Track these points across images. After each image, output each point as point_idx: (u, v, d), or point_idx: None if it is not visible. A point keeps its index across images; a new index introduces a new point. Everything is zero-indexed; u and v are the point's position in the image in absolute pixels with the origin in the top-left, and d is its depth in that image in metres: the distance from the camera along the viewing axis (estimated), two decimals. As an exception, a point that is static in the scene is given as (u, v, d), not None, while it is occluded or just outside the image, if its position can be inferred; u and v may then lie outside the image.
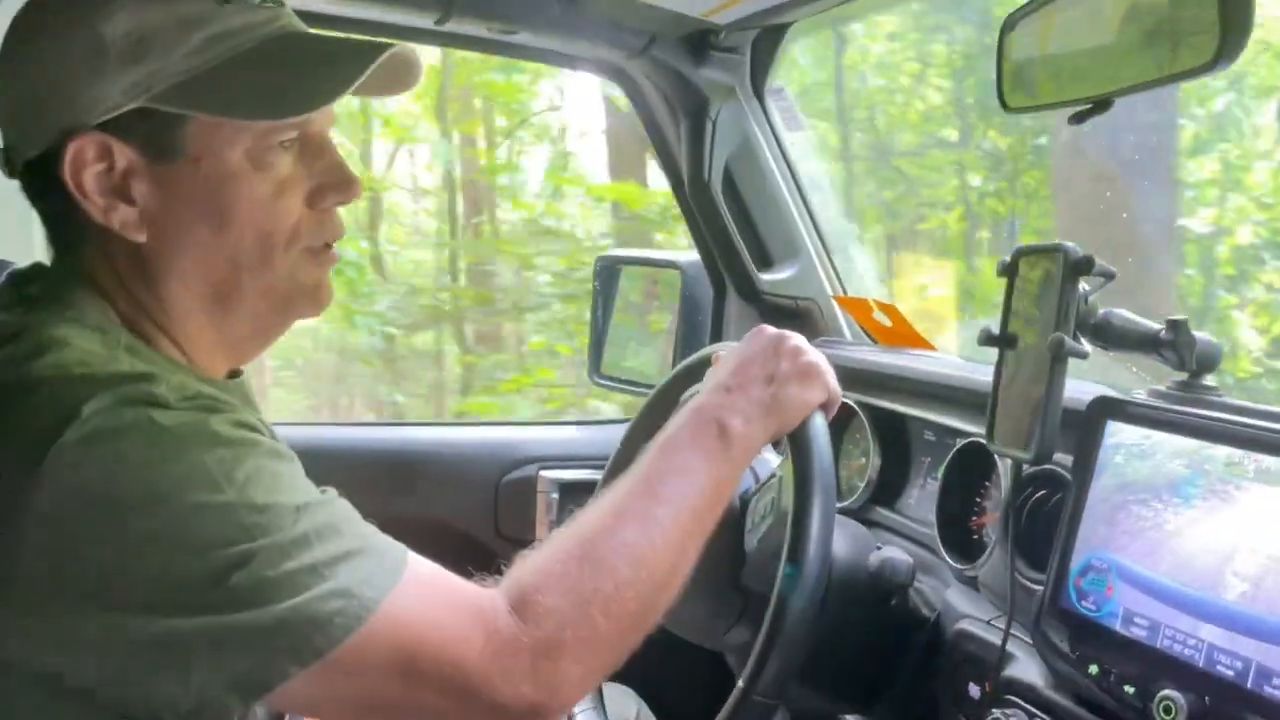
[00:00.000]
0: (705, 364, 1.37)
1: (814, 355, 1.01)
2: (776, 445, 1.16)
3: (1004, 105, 0.92)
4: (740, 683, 1.06)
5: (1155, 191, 2.99)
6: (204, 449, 0.70)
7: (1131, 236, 2.91)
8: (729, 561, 1.19)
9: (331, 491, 0.78)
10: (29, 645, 0.69)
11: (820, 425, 1.00)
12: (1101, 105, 0.80)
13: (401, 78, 0.87)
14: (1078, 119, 0.82)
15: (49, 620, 0.68)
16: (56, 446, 0.67)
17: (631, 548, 0.81)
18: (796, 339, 1.02)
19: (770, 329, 1.03)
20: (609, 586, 0.78)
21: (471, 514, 1.69)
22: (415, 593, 0.74)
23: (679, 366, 1.43)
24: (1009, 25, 0.92)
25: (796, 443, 1.00)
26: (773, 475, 1.17)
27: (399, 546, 0.77)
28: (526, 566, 0.80)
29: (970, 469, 1.29)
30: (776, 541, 1.05)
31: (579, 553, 0.80)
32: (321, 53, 0.82)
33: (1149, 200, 2.95)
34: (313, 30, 0.84)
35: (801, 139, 1.75)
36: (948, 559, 1.27)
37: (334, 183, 0.84)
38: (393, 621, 0.71)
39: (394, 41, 0.82)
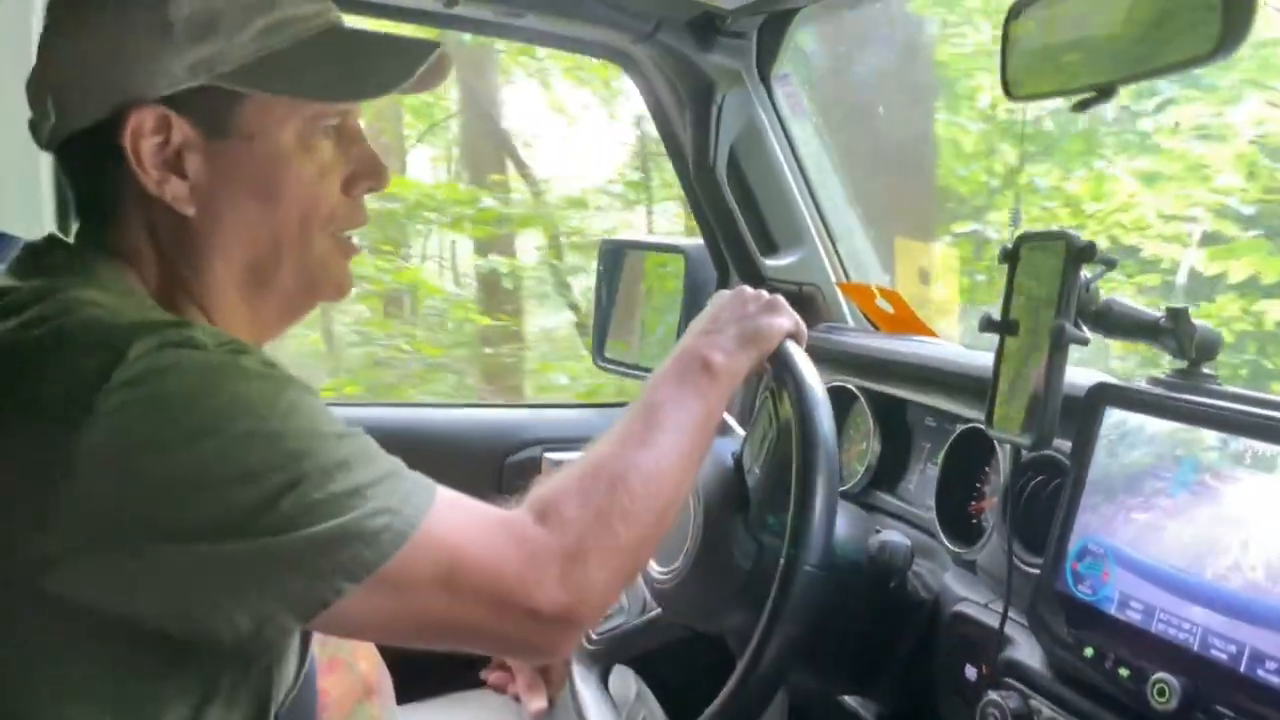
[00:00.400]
0: None
1: (775, 296, 1.13)
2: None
3: (1008, 93, 0.93)
4: (743, 659, 1.07)
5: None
6: (245, 382, 0.73)
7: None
8: (726, 544, 1.21)
9: (391, 464, 0.80)
10: (87, 582, 0.70)
11: (794, 347, 1.12)
12: (1105, 93, 0.80)
13: (432, 77, 0.90)
14: (1080, 107, 0.83)
15: (106, 555, 0.70)
16: (105, 390, 0.69)
17: (640, 466, 0.87)
18: (758, 290, 1.14)
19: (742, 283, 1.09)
20: (625, 499, 0.84)
21: (474, 495, 1.70)
22: (450, 511, 0.78)
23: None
24: (1014, 13, 0.92)
25: (778, 361, 1.11)
26: (762, 395, 1.22)
27: (425, 477, 0.81)
28: (546, 486, 0.85)
29: (969, 454, 1.30)
30: (783, 453, 1.13)
31: (593, 471, 0.86)
32: (379, 45, 0.87)
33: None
34: (353, 27, 0.88)
35: (805, 123, 1.75)
36: (946, 543, 1.28)
37: (367, 170, 0.88)
38: (434, 536, 0.75)
39: (438, 41, 0.86)
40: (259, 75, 0.80)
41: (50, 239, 0.86)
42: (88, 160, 0.83)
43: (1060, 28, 0.86)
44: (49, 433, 0.70)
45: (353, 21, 0.89)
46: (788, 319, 1.12)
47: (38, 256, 0.83)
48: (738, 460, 1.28)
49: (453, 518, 0.78)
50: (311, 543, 0.71)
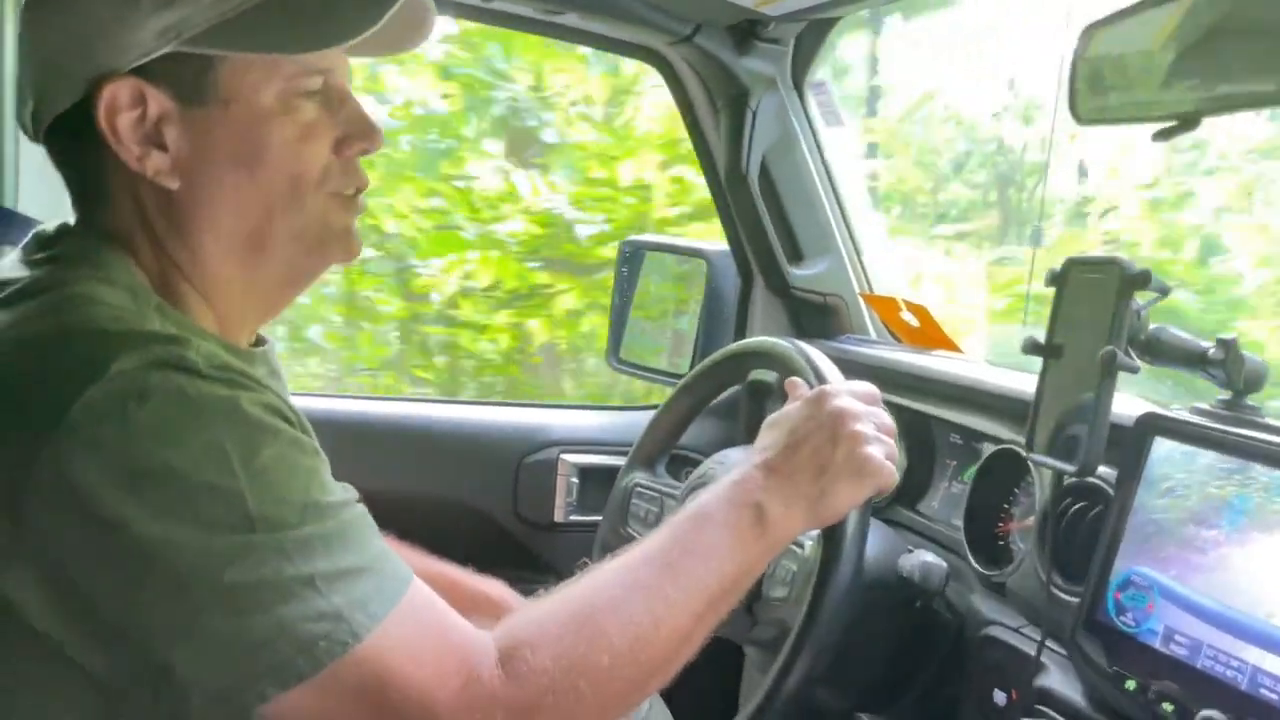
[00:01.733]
0: (733, 362, 1.37)
1: (872, 445, 0.93)
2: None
3: (1076, 117, 0.91)
4: (773, 671, 1.06)
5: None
6: (225, 427, 0.70)
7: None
8: None
9: (351, 493, 0.77)
10: (38, 601, 0.68)
11: (856, 523, 0.99)
12: (1187, 123, 0.79)
13: (414, 33, 0.88)
14: (1162, 135, 0.81)
15: (44, 579, 0.68)
16: (81, 402, 0.67)
17: (635, 625, 0.79)
18: (856, 420, 0.94)
19: (833, 399, 0.96)
20: (603, 661, 0.77)
21: (490, 495, 1.69)
22: (407, 623, 0.73)
23: (706, 362, 1.43)
24: (1085, 35, 0.91)
25: (829, 538, 1.00)
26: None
27: (403, 570, 0.76)
28: (525, 617, 0.79)
29: (999, 475, 1.29)
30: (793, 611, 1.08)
31: (581, 617, 0.78)
32: None
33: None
34: None
35: (839, 132, 1.74)
36: (975, 564, 1.27)
37: (359, 131, 0.85)
38: (377, 651, 0.70)
39: None
40: (228, 36, 0.77)
41: (60, 227, 0.84)
42: (71, 145, 0.81)
43: (1138, 52, 0.84)
44: (24, 436, 0.68)
45: None
46: (870, 488, 0.94)
47: (45, 246, 0.81)
48: None
49: (403, 633, 0.72)
50: (245, 635, 0.67)
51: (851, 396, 0.97)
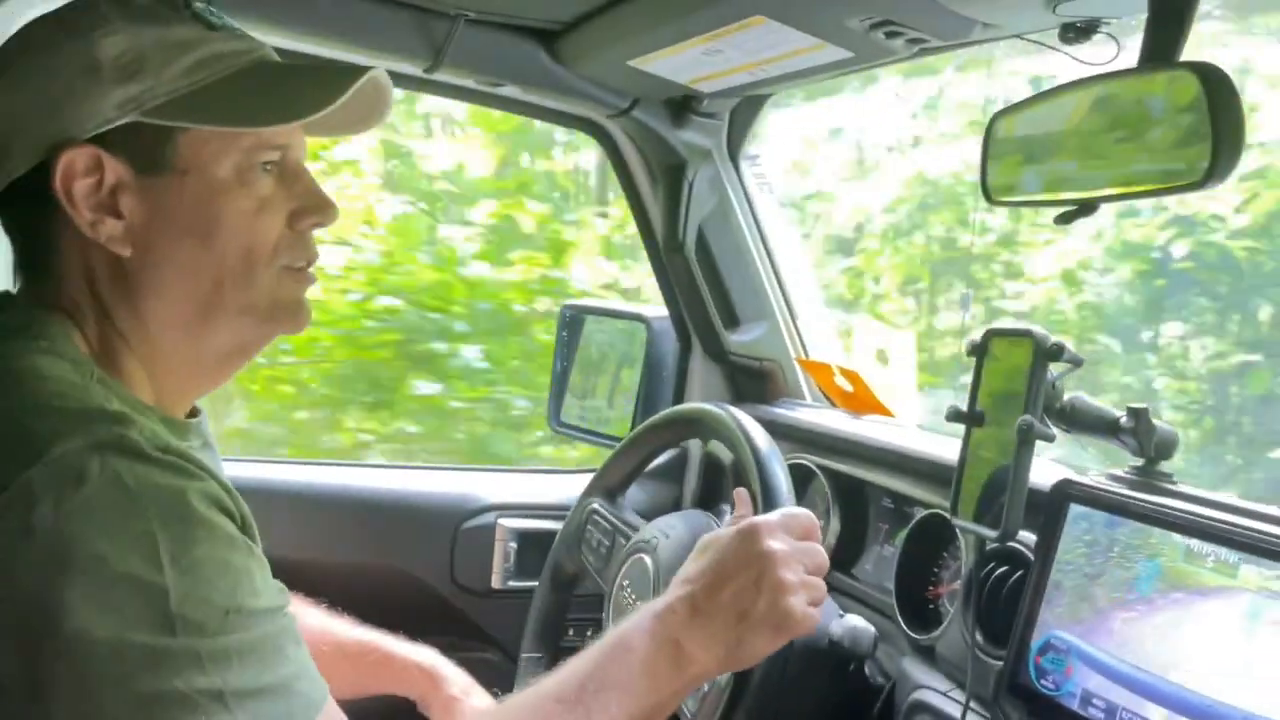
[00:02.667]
0: (669, 426, 1.39)
1: (796, 595, 0.93)
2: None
3: (988, 198, 0.96)
4: None
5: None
6: (160, 518, 0.69)
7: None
8: None
9: (283, 598, 0.77)
10: None
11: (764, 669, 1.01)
12: (1087, 208, 0.83)
13: (372, 113, 0.90)
14: (1063, 220, 0.86)
15: None
16: (19, 482, 0.67)
17: None
18: (785, 565, 0.93)
19: (764, 538, 0.95)
20: None
21: (428, 561, 1.68)
22: None
23: (641, 427, 1.45)
24: (996, 121, 0.96)
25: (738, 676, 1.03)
26: None
27: (319, 689, 0.76)
28: None
29: (929, 539, 1.32)
30: None
31: None
32: (306, 74, 0.87)
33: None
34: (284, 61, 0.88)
35: (773, 201, 1.79)
36: (905, 628, 1.29)
37: (313, 205, 0.86)
38: None
39: (371, 66, 0.85)
40: (187, 108, 0.79)
41: (3, 295, 0.84)
42: (24, 210, 0.82)
43: (1042, 139, 0.89)
44: None
45: None
46: (785, 640, 0.93)
47: None
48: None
49: None
50: None
51: (785, 533, 0.96)
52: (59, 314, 0.81)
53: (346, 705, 1.25)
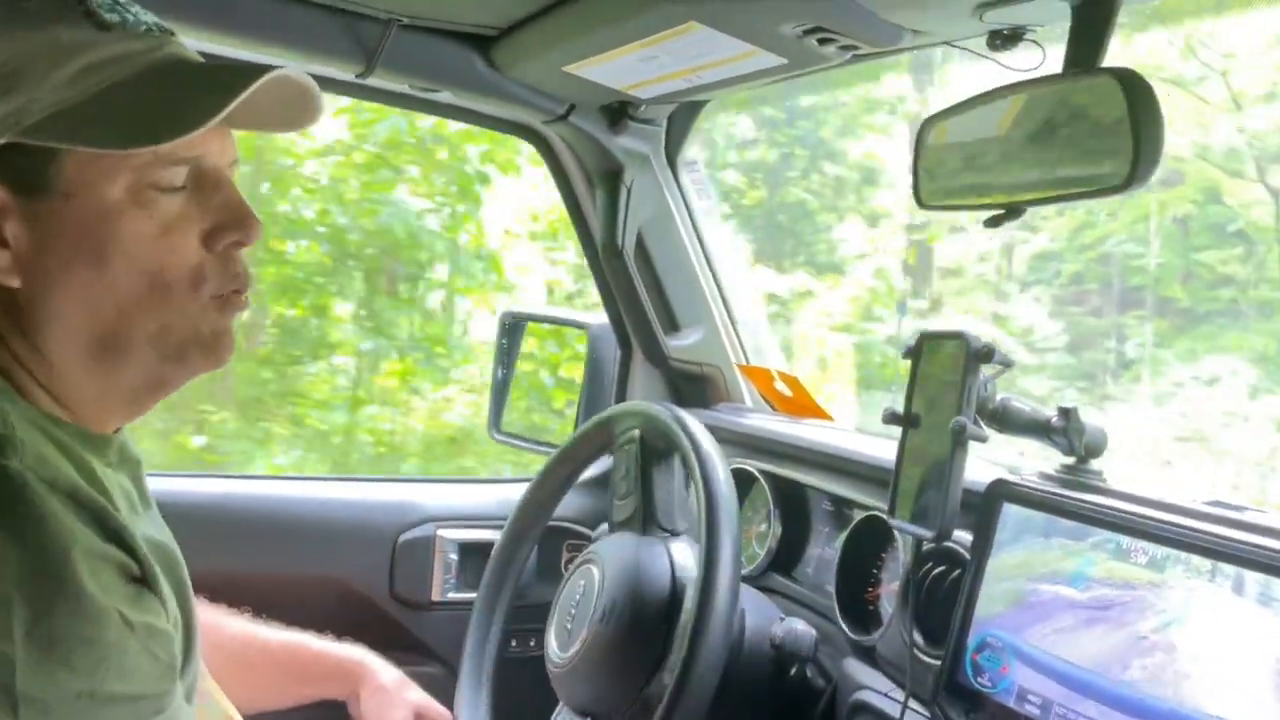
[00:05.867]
0: (607, 427, 1.39)
1: None
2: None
3: (919, 202, 0.97)
4: None
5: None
6: (19, 582, 0.65)
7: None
8: (630, 629, 1.20)
9: (166, 681, 0.73)
10: None
11: (726, 592, 1.09)
12: (1013, 212, 0.85)
13: (301, 111, 0.82)
14: (992, 223, 0.87)
15: None
16: None
17: None
18: None
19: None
20: None
21: (367, 573, 1.65)
22: None
23: (580, 429, 1.45)
24: (926, 126, 0.97)
25: (700, 604, 1.09)
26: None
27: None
28: None
29: (868, 541, 1.33)
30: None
31: None
32: (199, 78, 0.77)
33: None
34: (199, 59, 0.80)
35: (711, 207, 1.79)
36: (845, 629, 1.30)
37: (230, 221, 0.78)
38: None
39: (282, 65, 0.78)
40: (63, 127, 0.71)
41: None
42: None
43: (970, 144, 0.90)
44: None
45: None
46: None
47: None
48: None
49: None
50: None
51: None
52: None
53: (277, 715, 1.25)
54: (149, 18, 0.78)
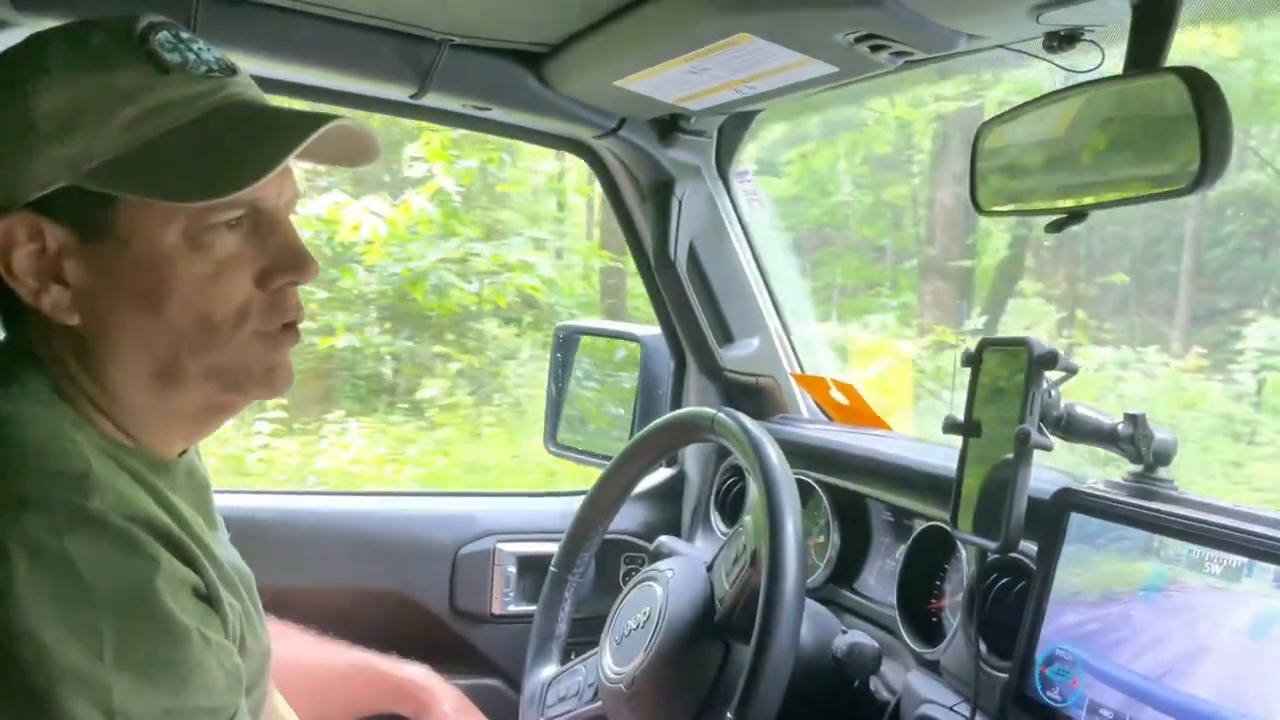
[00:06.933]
0: (663, 436, 1.39)
1: None
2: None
3: (977, 208, 0.95)
4: None
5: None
6: (108, 610, 0.67)
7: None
8: (689, 649, 1.19)
9: (233, 695, 0.76)
10: None
11: (791, 609, 1.07)
12: (1076, 216, 0.83)
13: (359, 151, 0.85)
14: (1055, 227, 0.85)
15: None
16: None
17: None
18: None
19: None
20: None
21: (428, 586, 1.66)
22: None
23: (632, 441, 1.45)
24: (983, 131, 0.96)
25: (763, 622, 1.06)
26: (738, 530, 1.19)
27: None
28: None
29: (930, 552, 1.31)
30: (753, 582, 1.12)
31: None
32: (255, 127, 0.78)
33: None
34: (260, 100, 0.81)
35: (765, 217, 1.79)
36: (909, 642, 1.28)
37: (286, 263, 0.80)
38: None
39: (338, 113, 0.80)
40: (120, 175, 0.73)
41: None
42: None
43: (1030, 148, 0.89)
44: None
45: (320, 111, 0.84)
46: None
47: None
48: (709, 568, 1.28)
49: None
50: None
51: None
52: (35, 363, 0.78)
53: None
54: (211, 56, 0.79)
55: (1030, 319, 4.96)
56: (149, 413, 0.80)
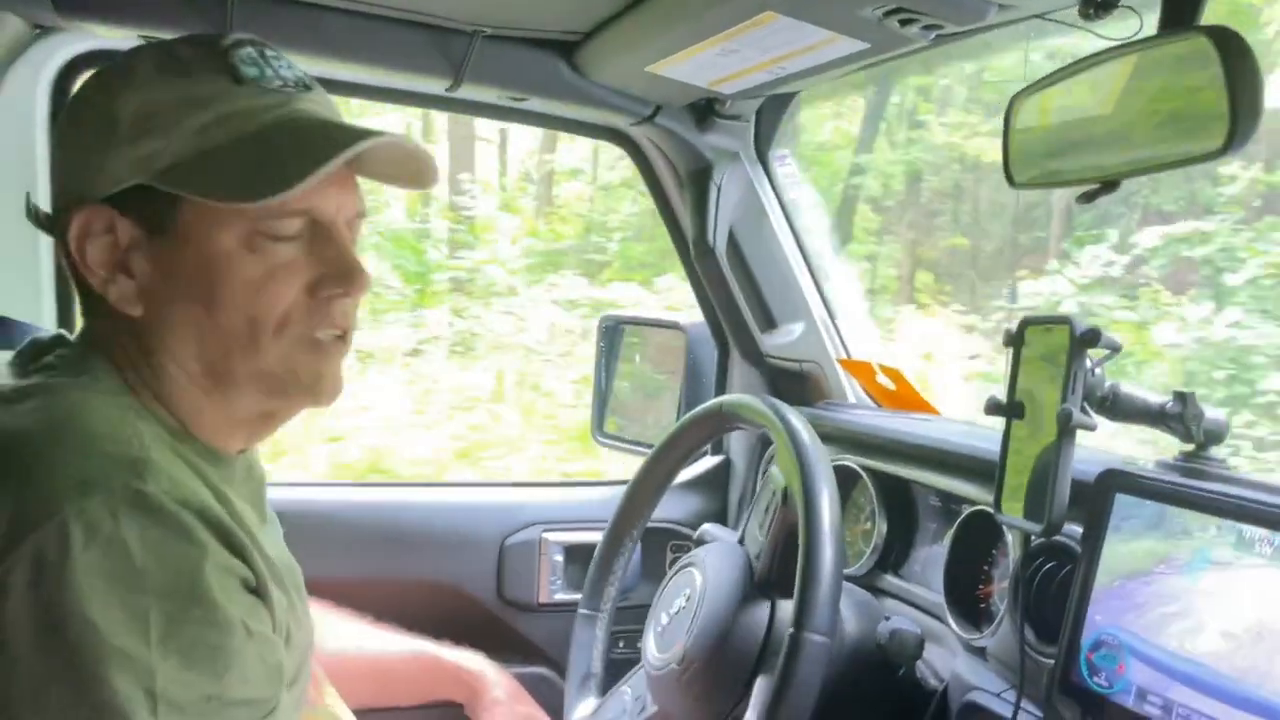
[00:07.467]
0: (705, 422, 1.38)
1: None
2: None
3: (1010, 180, 0.93)
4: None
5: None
6: (157, 593, 0.69)
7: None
8: (731, 629, 1.18)
9: (273, 687, 0.77)
10: None
11: (828, 594, 1.05)
12: (1109, 185, 0.80)
13: (415, 172, 0.87)
14: (1086, 198, 0.83)
15: None
16: (32, 538, 0.67)
17: None
18: None
19: None
20: None
21: (475, 576, 1.68)
22: None
23: (675, 426, 1.44)
24: (1015, 102, 0.93)
25: (800, 606, 1.05)
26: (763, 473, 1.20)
27: None
28: None
29: (977, 537, 1.28)
30: (785, 532, 1.15)
31: None
32: (310, 136, 0.81)
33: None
34: (328, 115, 0.84)
35: (804, 199, 1.76)
36: (955, 628, 1.26)
37: (336, 274, 0.82)
38: None
39: (385, 132, 0.82)
40: (184, 175, 0.77)
41: (56, 337, 0.86)
42: (65, 258, 0.83)
43: (1063, 118, 0.86)
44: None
45: (357, 107, 0.87)
46: None
47: (39, 353, 0.83)
48: (741, 541, 1.27)
49: None
50: None
51: None
52: (102, 353, 0.82)
53: (397, 713, 1.29)
54: (290, 73, 0.83)
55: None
56: (205, 411, 0.83)
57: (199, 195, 0.77)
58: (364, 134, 0.80)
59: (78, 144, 0.79)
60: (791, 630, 1.04)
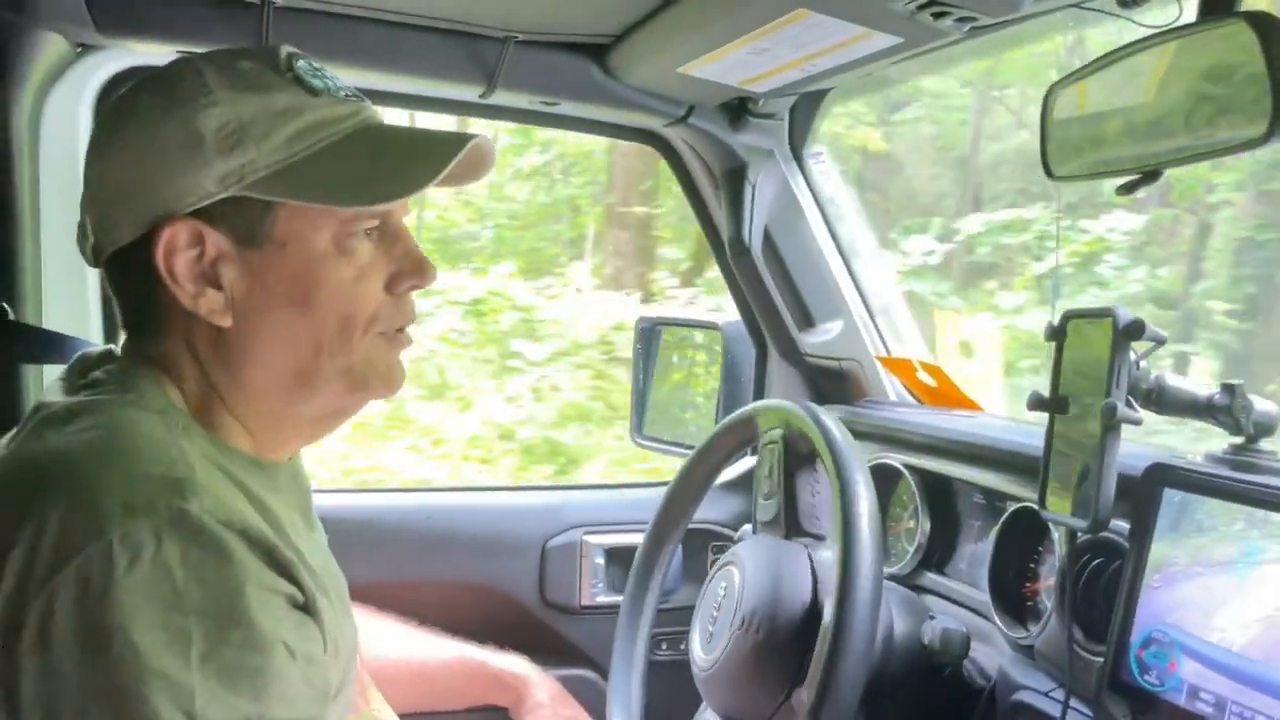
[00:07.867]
0: (741, 426, 1.37)
1: None
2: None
3: (1049, 174, 0.92)
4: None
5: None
6: (199, 614, 0.69)
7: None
8: (776, 623, 1.18)
9: (317, 706, 0.77)
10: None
11: (869, 596, 1.05)
12: (1150, 176, 0.79)
13: (478, 167, 0.89)
14: (1126, 189, 0.81)
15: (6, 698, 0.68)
16: (77, 562, 0.68)
17: None
18: None
19: None
20: None
21: (517, 579, 1.68)
22: None
23: (717, 428, 1.43)
24: (1053, 94, 0.92)
25: (841, 608, 1.06)
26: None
27: None
28: None
29: (1022, 534, 1.27)
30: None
31: None
32: (408, 144, 0.85)
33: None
34: (389, 124, 0.87)
35: (840, 196, 1.75)
36: (1002, 627, 1.24)
37: (410, 269, 0.86)
38: None
39: (475, 134, 0.85)
40: (287, 183, 0.79)
41: (104, 352, 0.87)
42: (128, 276, 0.83)
43: (1101, 108, 0.85)
44: (23, 584, 0.69)
45: (391, 115, 0.89)
46: None
47: (87, 370, 0.84)
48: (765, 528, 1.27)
49: None
50: None
51: None
52: (156, 369, 0.82)
53: (442, 717, 1.30)
54: (344, 83, 0.86)
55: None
56: (275, 416, 0.85)
57: (310, 201, 0.80)
58: (460, 139, 0.83)
59: (153, 163, 0.79)
60: (832, 617, 1.04)
